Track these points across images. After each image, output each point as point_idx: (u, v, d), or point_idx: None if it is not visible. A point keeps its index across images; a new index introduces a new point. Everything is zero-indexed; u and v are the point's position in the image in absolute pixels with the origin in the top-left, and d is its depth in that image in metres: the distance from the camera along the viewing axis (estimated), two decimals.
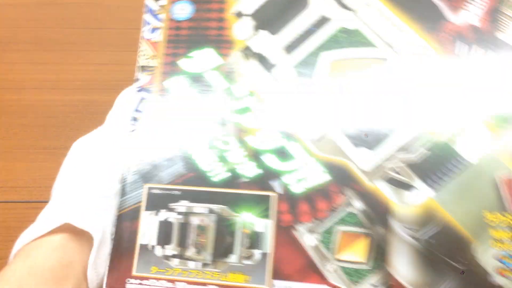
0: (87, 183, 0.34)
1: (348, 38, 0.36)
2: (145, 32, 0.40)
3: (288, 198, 0.34)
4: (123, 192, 0.35)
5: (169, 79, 0.37)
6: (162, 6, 0.40)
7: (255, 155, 0.35)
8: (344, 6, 0.37)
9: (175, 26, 0.39)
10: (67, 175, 0.36)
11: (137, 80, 0.37)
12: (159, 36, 0.39)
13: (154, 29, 0.39)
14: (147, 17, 0.40)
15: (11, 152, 0.53)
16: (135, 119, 0.37)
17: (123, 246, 0.34)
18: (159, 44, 0.38)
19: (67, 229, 0.31)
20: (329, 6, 0.37)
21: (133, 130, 0.36)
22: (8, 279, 0.29)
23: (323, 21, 0.37)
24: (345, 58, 0.36)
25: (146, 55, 0.38)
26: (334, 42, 0.36)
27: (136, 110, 0.37)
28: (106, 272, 0.33)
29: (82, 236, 0.31)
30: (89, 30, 0.67)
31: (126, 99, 0.38)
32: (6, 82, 0.60)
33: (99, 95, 0.58)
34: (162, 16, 0.39)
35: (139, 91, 0.37)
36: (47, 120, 0.56)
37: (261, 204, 0.34)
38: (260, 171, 0.35)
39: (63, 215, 0.32)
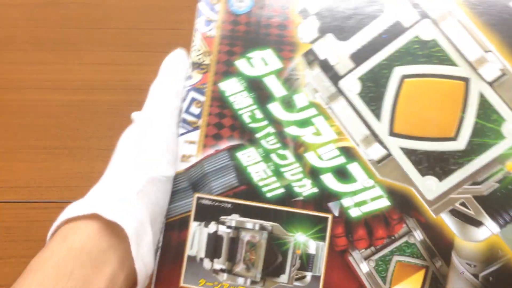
0: (122, 174, 0.32)
1: (423, 50, 0.33)
2: (199, 24, 0.36)
3: (345, 221, 0.32)
4: (171, 200, 0.33)
5: (224, 81, 0.35)
6: None
7: (312, 173, 0.33)
8: (422, 13, 0.33)
9: (232, 20, 0.35)
10: (116, 154, 0.34)
11: (189, 77, 0.35)
12: (214, 31, 0.36)
13: (208, 22, 0.36)
14: (201, 6, 0.37)
15: (11, 152, 0.53)
16: (185, 121, 0.35)
17: (170, 255, 0.33)
18: (214, 40, 0.36)
19: (101, 217, 0.30)
20: (405, 11, 0.33)
21: (183, 133, 0.34)
22: (46, 260, 0.28)
23: (397, 28, 0.33)
24: (418, 74, 0.33)
25: (199, 50, 0.36)
26: (407, 53, 0.33)
27: (187, 112, 0.35)
28: (154, 267, 0.32)
29: (117, 227, 0.30)
30: (89, 30, 0.67)
31: (175, 74, 0.34)
32: (6, 82, 0.60)
33: (99, 95, 0.58)
34: (218, 7, 0.36)
35: (189, 90, 0.35)
36: (47, 120, 0.56)
37: (315, 225, 0.32)
38: (316, 190, 0.33)
39: (94, 204, 0.31)
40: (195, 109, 0.35)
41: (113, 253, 0.30)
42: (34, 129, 0.55)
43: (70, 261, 0.28)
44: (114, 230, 0.30)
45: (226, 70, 0.35)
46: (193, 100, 0.35)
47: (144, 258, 0.31)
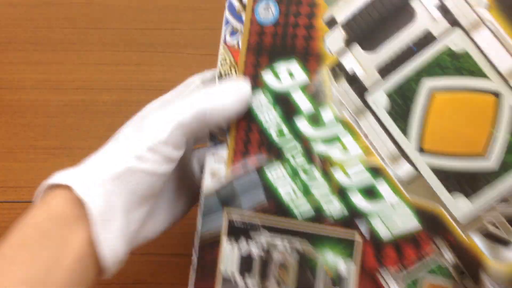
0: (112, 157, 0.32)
1: (453, 61, 0.32)
2: (225, 33, 0.35)
3: (374, 242, 0.32)
4: (203, 213, 0.33)
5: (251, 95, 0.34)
6: (243, 5, 0.35)
7: (340, 191, 0.32)
8: (453, 21, 0.32)
9: (258, 30, 0.34)
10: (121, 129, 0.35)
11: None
12: (240, 41, 0.34)
13: (234, 32, 0.35)
14: (228, 15, 0.35)
15: (11, 152, 0.53)
16: (213, 135, 0.34)
17: (205, 272, 0.33)
18: (240, 51, 0.35)
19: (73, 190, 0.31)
20: (436, 20, 0.32)
21: (211, 148, 0.34)
22: (27, 222, 0.30)
23: (426, 38, 0.32)
24: (449, 87, 0.32)
25: (225, 61, 0.35)
26: (436, 65, 0.32)
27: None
28: (191, 282, 0.33)
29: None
30: (89, 30, 0.67)
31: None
32: (6, 82, 0.60)
33: (99, 95, 0.58)
34: (244, 16, 0.35)
35: None
36: (47, 120, 0.56)
37: (345, 246, 0.32)
38: (345, 209, 0.32)
39: (72, 176, 0.31)
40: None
41: (85, 223, 0.30)
42: (34, 129, 0.55)
43: (48, 222, 0.30)
44: (82, 207, 0.30)
45: (253, 83, 0.34)
46: None
47: (111, 244, 0.30)
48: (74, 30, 0.67)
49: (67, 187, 0.30)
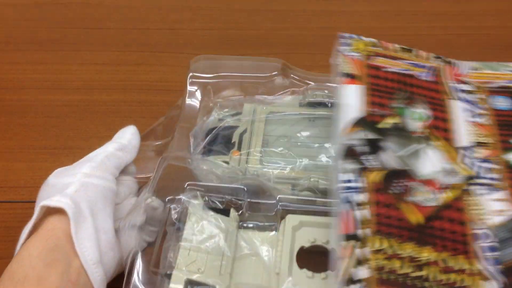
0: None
1: None
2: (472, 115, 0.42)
3: None
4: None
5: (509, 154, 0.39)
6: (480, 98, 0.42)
7: None
8: None
9: (497, 113, 0.41)
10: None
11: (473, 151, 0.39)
12: (487, 120, 0.41)
13: (480, 115, 0.41)
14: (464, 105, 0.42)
15: (11, 152, 0.53)
16: (488, 183, 0.38)
17: None
18: (492, 127, 0.41)
19: (47, 212, 0.36)
20: None
21: (484, 193, 0.37)
22: (2, 277, 0.33)
23: None
24: None
25: (478, 134, 0.40)
26: None
27: (483, 177, 0.38)
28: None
29: (61, 215, 0.35)
30: (89, 30, 0.67)
31: None
32: (6, 82, 0.60)
33: (99, 95, 0.58)
34: (482, 105, 0.41)
35: (480, 161, 0.39)
36: (47, 120, 0.56)
37: None
38: None
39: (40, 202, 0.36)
40: (491, 174, 0.38)
41: (63, 245, 0.34)
42: (34, 129, 0.55)
43: (20, 269, 0.33)
44: (60, 217, 0.35)
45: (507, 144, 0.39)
46: (487, 168, 0.38)
47: (84, 242, 0.35)
48: (74, 30, 0.67)
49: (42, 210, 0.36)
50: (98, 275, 0.35)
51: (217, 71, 0.49)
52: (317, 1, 0.72)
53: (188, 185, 0.40)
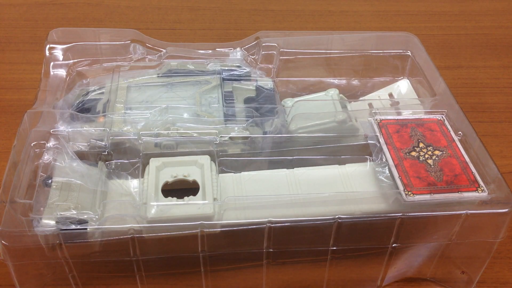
0: None
1: None
2: None
3: None
4: None
5: None
6: None
7: None
8: None
9: None
10: None
11: None
12: None
13: None
14: None
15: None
16: None
17: None
18: None
19: None
20: None
21: None
22: None
23: None
24: None
25: None
26: None
27: None
28: None
29: None
30: None
31: None
32: (6, 82, 0.60)
33: None
34: None
35: None
36: None
37: None
38: None
39: None
40: None
41: None
42: None
43: None
44: None
45: None
46: None
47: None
48: None
49: None
50: None
51: (75, 41, 0.51)
52: (317, 1, 0.72)
53: (53, 131, 0.42)
